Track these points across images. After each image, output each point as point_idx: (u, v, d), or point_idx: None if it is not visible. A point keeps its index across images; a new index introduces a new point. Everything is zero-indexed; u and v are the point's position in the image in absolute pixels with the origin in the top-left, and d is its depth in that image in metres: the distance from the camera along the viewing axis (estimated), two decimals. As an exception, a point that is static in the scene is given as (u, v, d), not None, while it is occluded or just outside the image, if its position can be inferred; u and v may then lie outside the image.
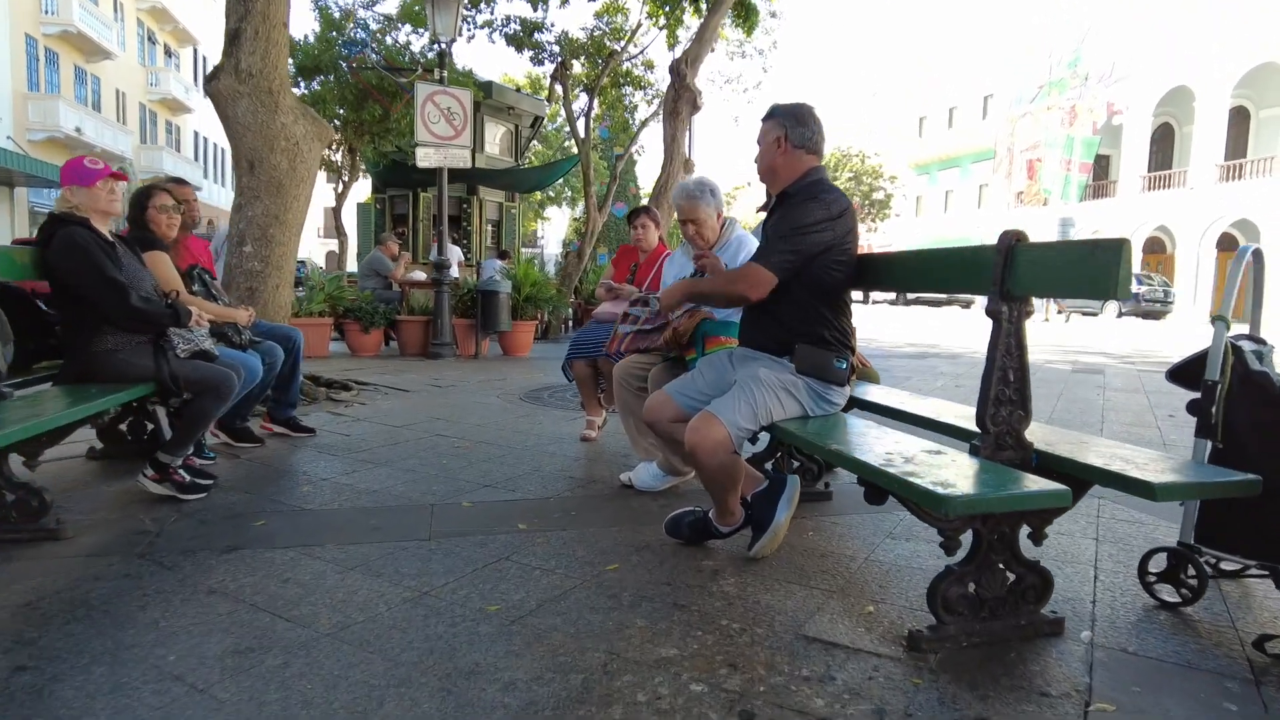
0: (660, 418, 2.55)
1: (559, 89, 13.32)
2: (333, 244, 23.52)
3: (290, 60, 13.29)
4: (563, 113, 13.94)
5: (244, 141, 4.94)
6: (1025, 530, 1.89)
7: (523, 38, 12.73)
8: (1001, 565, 1.89)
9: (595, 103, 13.93)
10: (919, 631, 1.83)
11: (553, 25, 12.82)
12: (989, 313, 1.95)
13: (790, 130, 2.43)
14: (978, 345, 11.71)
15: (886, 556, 2.48)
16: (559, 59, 12.95)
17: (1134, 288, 22.86)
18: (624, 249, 4.57)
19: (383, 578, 2.22)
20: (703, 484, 2.49)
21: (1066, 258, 1.86)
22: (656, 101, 14.13)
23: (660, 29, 12.42)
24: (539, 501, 3.04)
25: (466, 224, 12.68)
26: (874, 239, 40.36)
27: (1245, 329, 2.16)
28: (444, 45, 8.59)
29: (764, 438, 3.00)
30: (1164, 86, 27.35)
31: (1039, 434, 2.07)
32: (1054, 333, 15.73)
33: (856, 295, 2.91)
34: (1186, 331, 18.31)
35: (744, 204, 41.43)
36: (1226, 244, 26.49)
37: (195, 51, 34.84)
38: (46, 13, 23.04)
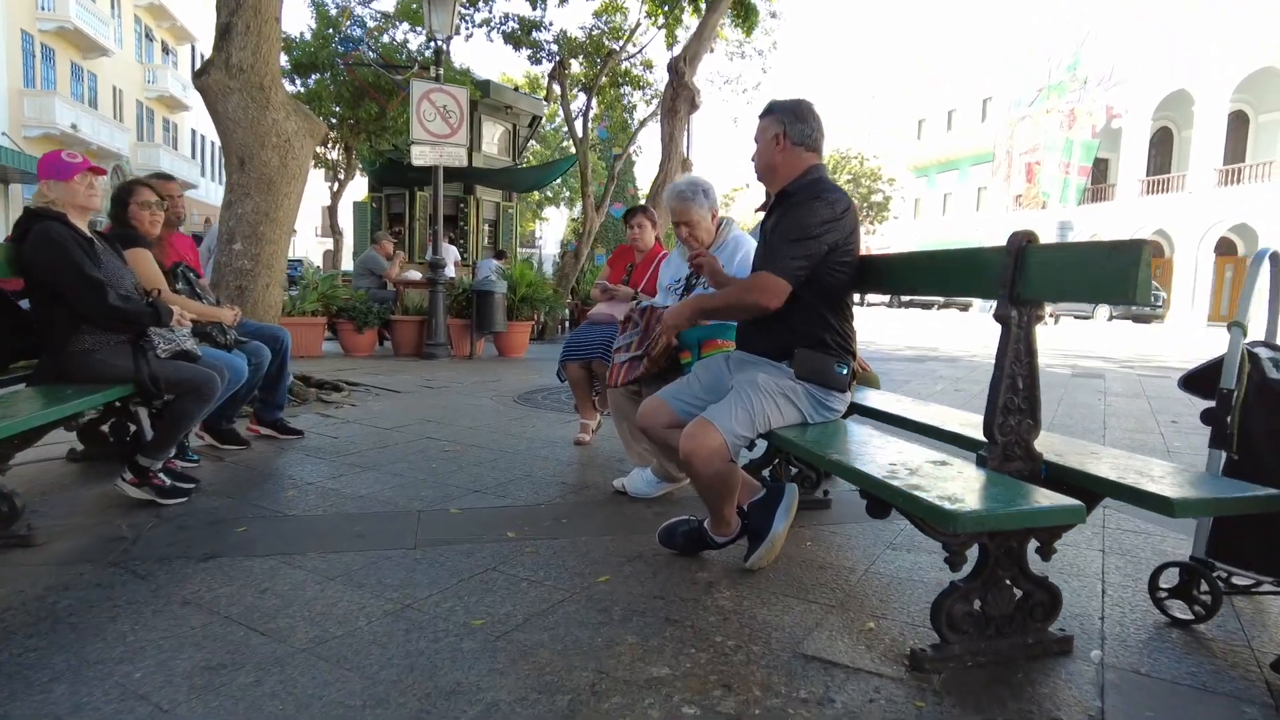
0: (654, 423, 2.47)
1: (557, 88, 13.24)
2: (329, 243, 23.42)
3: (286, 57, 13.31)
4: (561, 112, 13.87)
5: (234, 137, 4.85)
6: (1033, 545, 1.81)
7: (521, 36, 12.67)
8: (1009, 581, 1.80)
9: (593, 102, 13.87)
10: (922, 650, 1.75)
11: (551, 24, 12.80)
12: (998, 317, 1.87)
13: (789, 127, 2.34)
14: (976, 349, 11.69)
15: (887, 568, 2.40)
16: (557, 58, 12.89)
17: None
18: (620, 249, 4.49)
19: (364, 589, 2.13)
20: (697, 492, 2.39)
21: (1081, 260, 1.76)
22: (655, 101, 14.05)
23: (659, 28, 12.36)
24: (529, 508, 2.96)
25: (464, 223, 12.59)
26: (872, 241, 40.32)
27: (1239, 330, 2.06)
28: (441, 43, 8.52)
29: (761, 443, 2.91)
30: (1163, 90, 27.34)
31: (1047, 444, 1.98)
32: (1049, 336, 15.68)
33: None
34: (1183, 336, 18.30)
35: (743, 205, 41.47)
36: (1224, 248, 26.50)
37: (193, 49, 34.62)
38: (43, 9, 22.85)
